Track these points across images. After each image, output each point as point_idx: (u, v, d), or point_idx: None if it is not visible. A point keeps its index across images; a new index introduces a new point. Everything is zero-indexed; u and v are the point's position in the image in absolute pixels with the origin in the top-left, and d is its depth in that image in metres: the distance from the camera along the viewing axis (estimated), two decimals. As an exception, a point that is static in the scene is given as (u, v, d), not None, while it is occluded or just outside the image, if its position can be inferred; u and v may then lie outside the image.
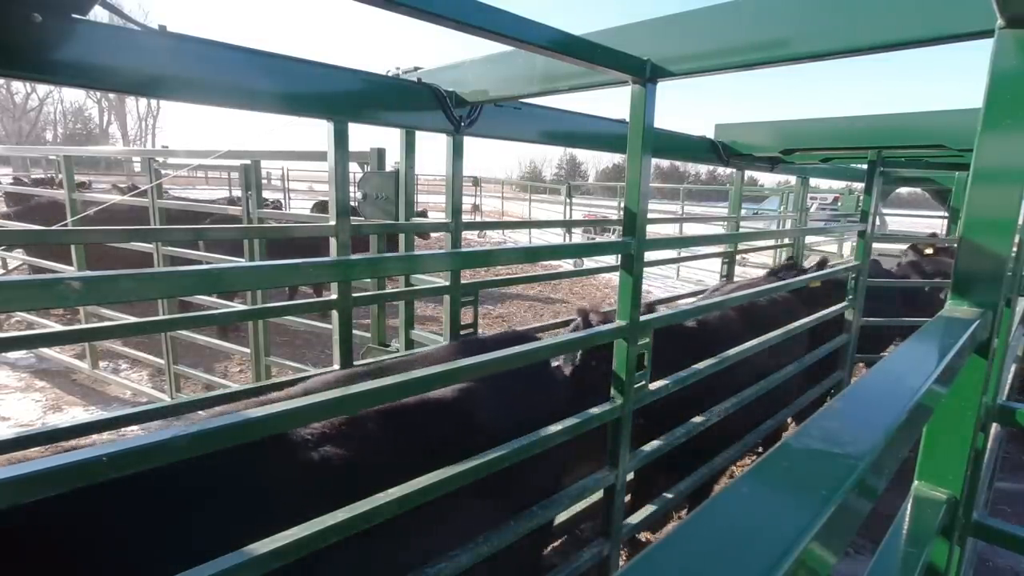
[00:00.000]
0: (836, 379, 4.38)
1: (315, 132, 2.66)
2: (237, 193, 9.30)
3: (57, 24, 1.59)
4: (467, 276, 4.55)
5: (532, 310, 9.23)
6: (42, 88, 39.05)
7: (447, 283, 3.13)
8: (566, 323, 4.21)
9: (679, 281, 11.95)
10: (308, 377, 2.65)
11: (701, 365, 2.50)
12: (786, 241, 8.25)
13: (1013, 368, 2.38)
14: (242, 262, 4.18)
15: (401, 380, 1.40)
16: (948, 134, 3.57)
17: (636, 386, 2.14)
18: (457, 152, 3.02)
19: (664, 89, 2.04)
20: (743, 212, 6.37)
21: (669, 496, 2.60)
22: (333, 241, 2.57)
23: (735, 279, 5.70)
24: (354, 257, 1.82)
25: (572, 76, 2.25)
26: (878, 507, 0.54)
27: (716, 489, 3.27)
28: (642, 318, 2.10)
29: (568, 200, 14.94)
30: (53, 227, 3.19)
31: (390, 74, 2.71)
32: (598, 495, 2.28)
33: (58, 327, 5.08)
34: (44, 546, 1.18)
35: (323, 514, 1.27)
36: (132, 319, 4.34)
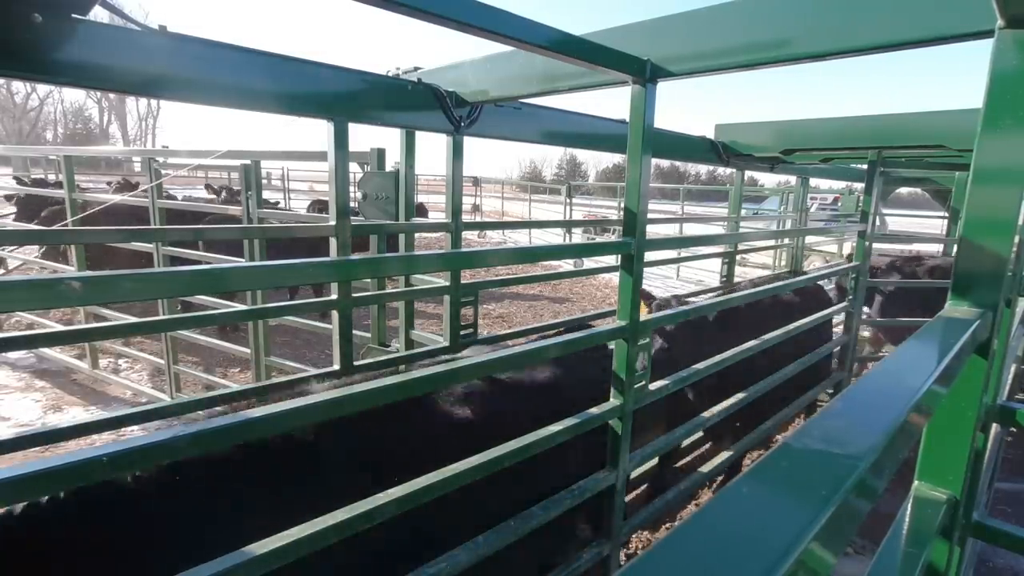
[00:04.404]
0: (836, 379, 4.38)
1: (315, 132, 2.66)
2: (235, 189, 9.29)
3: (57, 24, 1.59)
4: (467, 276, 4.54)
5: (532, 310, 9.23)
6: (42, 88, 39.08)
7: (447, 283, 3.13)
8: (567, 323, 4.22)
9: (679, 281, 11.94)
10: (309, 377, 2.66)
11: (701, 365, 2.50)
12: (786, 241, 8.25)
13: (1013, 368, 2.37)
14: (242, 262, 4.18)
15: (401, 380, 1.40)
16: (948, 134, 3.57)
17: (636, 386, 2.14)
18: (457, 152, 3.02)
19: (666, 87, 2.05)
20: (743, 212, 6.37)
21: (669, 496, 2.61)
22: (333, 241, 2.57)
23: (735, 279, 5.70)
24: (354, 257, 1.82)
25: (572, 76, 2.25)
26: (878, 507, 0.54)
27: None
28: (642, 318, 2.11)
29: (568, 200, 14.93)
30: (53, 227, 3.19)
31: (390, 74, 2.71)
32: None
33: (58, 327, 5.08)
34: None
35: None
36: (132, 319, 4.34)
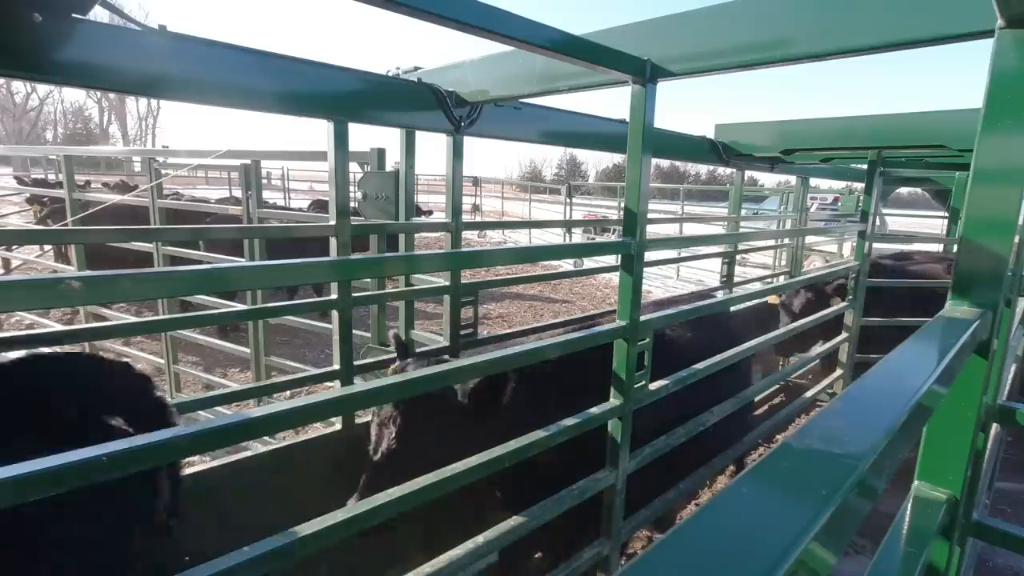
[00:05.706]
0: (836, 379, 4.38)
1: (315, 132, 2.66)
2: (237, 193, 9.30)
3: (57, 24, 1.59)
4: (467, 276, 4.54)
5: (532, 310, 9.23)
6: (42, 88, 39.07)
7: (447, 283, 3.13)
8: (566, 323, 4.22)
9: (679, 281, 11.94)
10: (308, 377, 2.66)
11: (701, 365, 2.50)
12: (786, 241, 8.25)
13: (1013, 368, 2.38)
14: (242, 262, 4.18)
15: (401, 380, 1.40)
16: (948, 134, 3.57)
17: (636, 386, 2.14)
18: (457, 152, 3.02)
19: (666, 87, 2.05)
20: (743, 212, 6.37)
21: (669, 496, 2.60)
22: (333, 241, 2.57)
23: (735, 279, 5.70)
24: (354, 257, 1.82)
25: (572, 76, 2.25)
26: (878, 507, 0.54)
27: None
28: (642, 318, 2.11)
29: (568, 200, 14.94)
30: (53, 227, 3.19)
31: (390, 74, 2.71)
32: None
33: (58, 327, 5.08)
34: None
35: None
36: (132, 319, 4.34)
